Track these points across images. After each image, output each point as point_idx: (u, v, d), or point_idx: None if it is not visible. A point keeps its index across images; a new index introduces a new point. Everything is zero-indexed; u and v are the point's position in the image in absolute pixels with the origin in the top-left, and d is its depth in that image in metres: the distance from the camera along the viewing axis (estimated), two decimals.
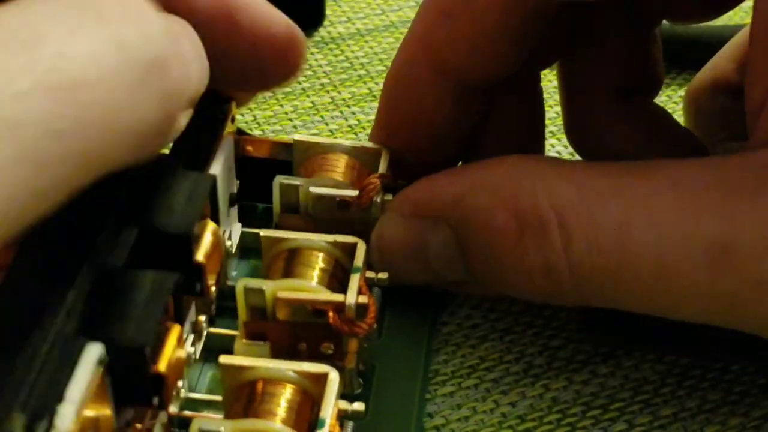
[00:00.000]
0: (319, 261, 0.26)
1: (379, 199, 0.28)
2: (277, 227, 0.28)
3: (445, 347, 0.28)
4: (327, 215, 0.28)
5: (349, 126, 0.35)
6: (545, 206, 0.25)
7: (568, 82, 0.31)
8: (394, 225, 0.27)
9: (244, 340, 0.26)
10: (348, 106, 0.36)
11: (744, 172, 0.24)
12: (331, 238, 0.26)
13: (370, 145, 0.29)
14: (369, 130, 0.33)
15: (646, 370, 0.28)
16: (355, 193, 0.28)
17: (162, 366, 0.21)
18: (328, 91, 0.37)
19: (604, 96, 0.30)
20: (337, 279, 0.26)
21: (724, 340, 0.26)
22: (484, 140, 0.30)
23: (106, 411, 0.21)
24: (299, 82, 0.37)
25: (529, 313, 0.29)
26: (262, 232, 0.27)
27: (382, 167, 0.28)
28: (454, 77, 0.28)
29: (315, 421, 0.23)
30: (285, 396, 0.23)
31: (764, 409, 0.27)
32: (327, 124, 0.35)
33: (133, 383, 0.21)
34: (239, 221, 0.29)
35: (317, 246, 0.26)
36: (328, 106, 0.36)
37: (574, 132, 0.32)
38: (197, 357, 0.26)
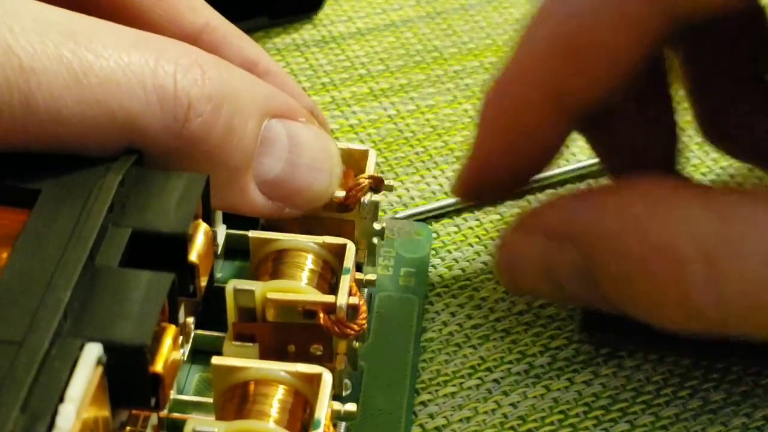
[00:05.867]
0: (308, 262, 0.26)
1: (366, 200, 0.28)
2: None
3: (446, 347, 0.28)
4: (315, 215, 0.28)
5: (350, 125, 0.35)
6: (684, 239, 0.24)
7: (695, 76, 0.30)
8: (521, 242, 0.27)
9: (233, 342, 0.26)
10: (349, 106, 0.36)
11: None
12: (320, 239, 0.26)
13: (356, 146, 0.29)
14: (370, 130, 0.33)
15: (648, 371, 0.28)
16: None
17: (159, 366, 0.21)
18: (328, 90, 0.37)
19: (742, 84, 0.29)
20: (326, 280, 0.26)
21: (725, 341, 0.27)
22: (610, 152, 0.30)
23: (105, 412, 0.20)
24: (300, 82, 0.37)
25: (530, 314, 0.29)
26: (251, 234, 0.26)
27: (369, 168, 0.28)
28: (573, 107, 0.27)
29: (308, 422, 0.23)
30: (278, 397, 0.23)
31: (767, 410, 0.27)
32: (328, 124, 0.35)
33: (131, 383, 0.21)
34: (223, 223, 0.29)
35: (306, 247, 0.26)
36: (329, 106, 0.36)
37: (711, 129, 0.30)
38: (185, 358, 0.26)
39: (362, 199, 0.28)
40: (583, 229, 0.26)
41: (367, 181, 0.28)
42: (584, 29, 0.26)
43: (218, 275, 0.28)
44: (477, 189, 0.29)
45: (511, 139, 0.28)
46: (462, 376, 0.28)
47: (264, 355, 0.25)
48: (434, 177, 0.34)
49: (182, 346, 0.25)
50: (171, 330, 0.22)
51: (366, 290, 0.28)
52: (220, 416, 0.23)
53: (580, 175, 0.33)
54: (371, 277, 0.27)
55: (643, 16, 0.25)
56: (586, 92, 0.27)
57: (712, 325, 0.24)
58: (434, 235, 0.31)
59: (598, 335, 0.29)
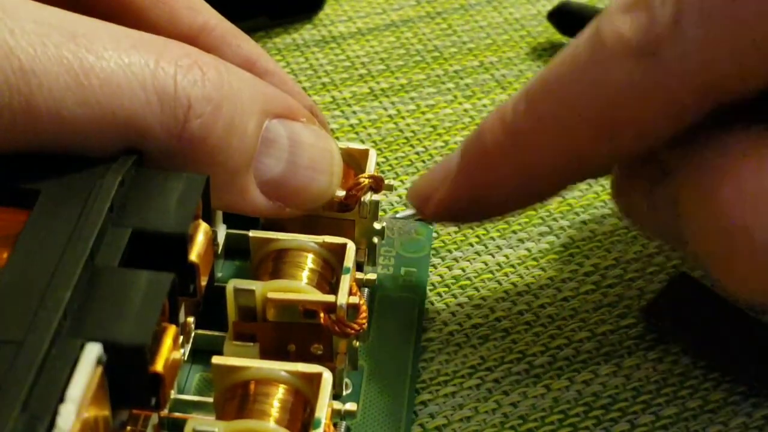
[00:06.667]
0: (308, 262, 0.26)
1: (366, 200, 0.28)
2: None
3: (446, 347, 0.28)
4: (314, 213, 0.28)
5: (350, 125, 0.35)
6: None
7: None
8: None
9: (233, 341, 0.26)
10: (349, 105, 0.36)
11: None
12: (320, 238, 0.26)
13: (356, 146, 0.29)
14: (370, 130, 0.33)
15: (648, 370, 0.28)
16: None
17: (159, 366, 0.21)
18: (329, 90, 0.37)
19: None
20: (326, 280, 0.26)
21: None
22: None
23: (105, 412, 0.20)
24: (300, 82, 0.37)
25: (530, 314, 0.29)
26: (251, 233, 0.26)
27: (369, 168, 0.28)
28: (588, 174, 0.27)
29: (308, 422, 0.23)
30: (278, 396, 0.23)
31: (767, 410, 0.27)
32: (328, 124, 0.35)
33: (131, 383, 0.21)
34: (224, 222, 0.29)
35: (306, 247, 0.26)
36: (329, 106, 0.36)
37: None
38: (185, 358, 0.26)
39: (362, 199, 0.28)
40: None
41: (367, 181, 0.28)
42: (623, 113, 0.24)
43: (218, 275, 0.28)
44: (456, 215, 0.28)
45: (510, 185, 0.27)
46: (462, 376, 0.28)
47: (264, 355, 0.25)
48: None
49: (182, 345, 0.25)
50: (171, 330, 0.22)
51: (366, 290, 0.28)
52: (221, 416, 0.23)
53: None
54: (371, 276, 0.27)
55: (690, 106, 0.24)
56: (607, 165, 0.26)
57: None
58: (434, 234, 0.31)
59: (656, 322, 0.29)
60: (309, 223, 0.28)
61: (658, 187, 0.26)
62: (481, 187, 0.27)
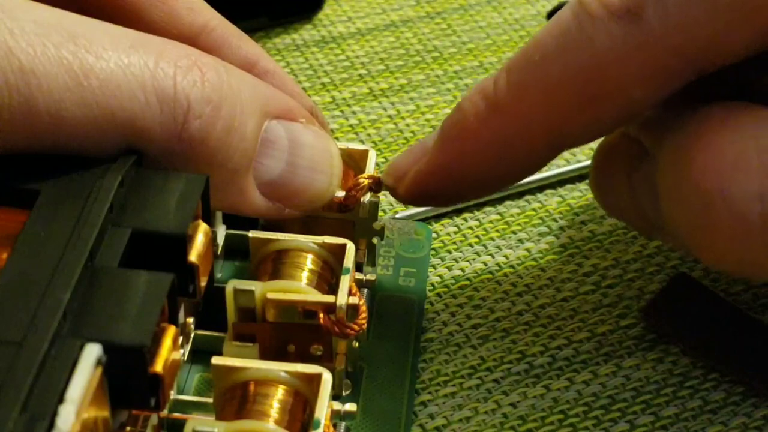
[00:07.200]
0: (308, 262, 0.26)
1: (366, 200, 0.28)
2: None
3: (446, 348, 0.28)
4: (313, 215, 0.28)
5: (350, 125, 0.35)
6: (750, 150, 0.23)
7: None
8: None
9: (233, 342, 0.26)
10: (349, 106, 0.36)
11: None
12: (319, 239, 0.26)
13: (356, 146, 0.29)
14: (370, 130, 0.33)
15: (648, 371, 0.28)
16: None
17: (159, 366, 0.21)
18: (328, 91, 0.37)
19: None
20: (325, 280, 0.26)
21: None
22: None
23: (104, 412, 0.20)
24: (300, 82, 0.37)
25: (530, 314, 0.29)
26: (251, 234, 0.26)
27: (369, 168, 0.28)
28: (568, 145, 0.27)
29: (307, 422, 0.23)
30: (277, 397, 0.23)
31: (766, 410, 0.27)
32: (327, 124, 0.35)
33: (131, 384, 0.21)
34: (223, 223, 0.29)
35: (306, 247, 0.26)
36: (329, 106, 0.36)
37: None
38: (185, 359, 0.26)
39: (362, 199, 0.28)
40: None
41: (366, 181, 0.28)
42: (607, 78, 0.25)
43: (218, 275, 0.28)
44: (429, 193, 0.28)
45: (489, 157, 0.27)
46: (462, 376, 0.28)
47: (264, 355, 0.25)
48: None
49: (182, 346, 0.25)
50: (171, 330, 0.22)
51: (366, 290, 0.28)
52: (220, 416, 0.23)
53: (579, 175, 0.33)
54: (371, 277, 0.27)
55: (672, 70, 0.24)
56: (587, 134, 0.26)
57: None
58: (434, 235, 0.31)
59: (656, 322, 0.29)
60: (308, 224, 0.28)
61: (638, 169, 0.26)
62: (459, 161, 0.27)
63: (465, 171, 0.27)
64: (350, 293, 0.25)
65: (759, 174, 0.23)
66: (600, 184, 0.28)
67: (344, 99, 0.36)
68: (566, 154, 0.34)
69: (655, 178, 0.25)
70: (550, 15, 0.39)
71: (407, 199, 0.28)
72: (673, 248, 0.31)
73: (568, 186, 0.33)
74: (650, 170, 0.25)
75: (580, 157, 0.34)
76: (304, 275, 0.26)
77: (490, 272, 0.31)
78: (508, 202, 0.33)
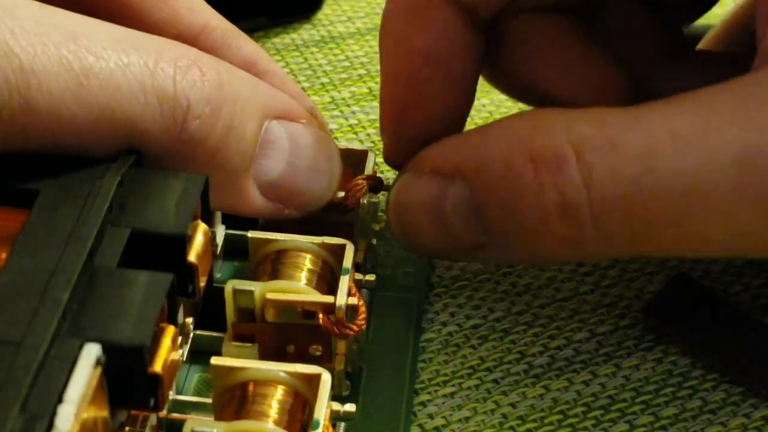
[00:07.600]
0: (307, 262, 0.26)
1: (365, 201, 0.28)
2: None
3: (445, 348, 0.28)
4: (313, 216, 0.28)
5: (350, 125, 0.35)
6: (562, 142, 0.24)
7: None
8: (411, 183, 0.27)
9: (232, 342, 0.26)
10: (348, 106, 0.36)
11: (761, 84, 0.24)
12: (319, 239, 0.26)
13: (356, 146, 0.29)
14: (369, 130, 0.33)
15: (648, 371, 0.28)
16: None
17: (158, 367, 0.21)
18: (328, 91, 0.37)
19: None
20: (325, 281, 0.26)
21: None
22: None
23: (104, 412, 0.20)
24: (299, 82, 0.37)
25: (529, 314, 0.29)
26: (250, 234, 0.26)
27: (368, 169, 0.28)
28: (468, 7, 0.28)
29: (307, 423, 0.23)
30: (277, 397, 0.23)
31: (766, 410, 0.27)
32: (327, 124, 0.35)
33: (130, 384, 0.21)
34: (223, 223, 0.29)
35: (305, 247, 0.26)
36: (329, 106, 0.36)
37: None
38: (184, 359, 0.26)
39: (361, 200, 0.28)
40: (471, 156, 0.26)
41: (366, 182, 0.28)
42: None
43: (217, 275, 0.28)
44: (403, 147, 0.28)
45: (418, 64, 0.28)
46: (461, 376, 0.28)
47: (263, 356, 0.25)
48: None
49: (181, 346, 0.25)
50: (170, 330, 0.22)
51: (365, 290, 0.28)
52: (220, 417, 0.23)
53: None
54: (370, 277, 0.27)
55: None
56: None
57: (594, 240, 0.24)
58: None
59: (656, 322, 0.29)
60: (308, 224, 0.28)
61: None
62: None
63: (412, 98, 0.28)
64: (349, 293, 0.25)
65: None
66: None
67: (343, 99, 0.36)
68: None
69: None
70: None
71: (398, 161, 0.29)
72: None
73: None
74: None
75: None
76: (304, 275, 0.26)
77: (489, 272, 0.31)
78: None
